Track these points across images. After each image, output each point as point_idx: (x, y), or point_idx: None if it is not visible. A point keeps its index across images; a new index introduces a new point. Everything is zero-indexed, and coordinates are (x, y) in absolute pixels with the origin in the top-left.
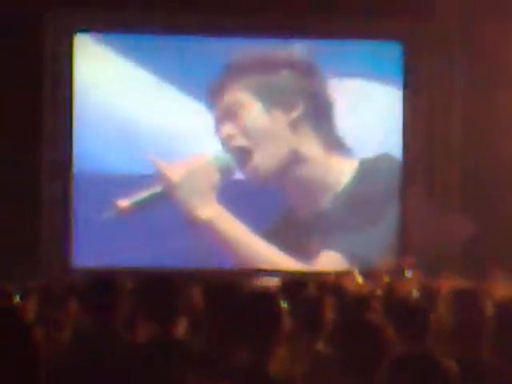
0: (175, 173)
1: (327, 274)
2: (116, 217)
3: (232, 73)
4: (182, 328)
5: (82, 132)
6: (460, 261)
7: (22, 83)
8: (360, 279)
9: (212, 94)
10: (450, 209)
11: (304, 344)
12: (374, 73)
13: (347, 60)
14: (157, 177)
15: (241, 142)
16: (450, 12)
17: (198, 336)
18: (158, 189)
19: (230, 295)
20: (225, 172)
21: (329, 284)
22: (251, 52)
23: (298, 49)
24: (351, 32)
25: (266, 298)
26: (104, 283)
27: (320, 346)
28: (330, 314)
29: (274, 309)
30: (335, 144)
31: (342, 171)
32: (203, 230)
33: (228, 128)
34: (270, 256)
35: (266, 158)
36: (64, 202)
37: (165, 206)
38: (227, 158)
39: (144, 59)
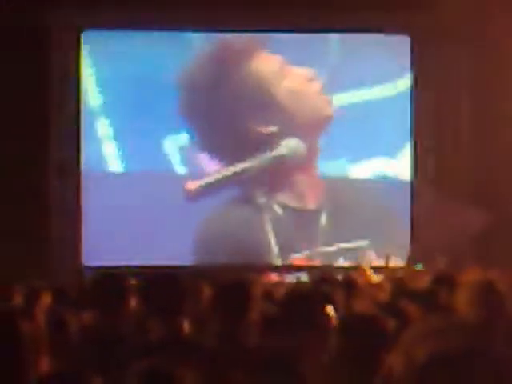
0: None
1: (338, 269)
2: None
3: None
4: (188, 326)
5: (90, 131)
6: (471, 253)
7: (30, 82)
8: (372, 274)
9: None
10: (461, 202)
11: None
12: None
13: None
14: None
15: None
16: (456, 5)
17: (206, 333)
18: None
19: (241, 292)
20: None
21: (340, 279)
22: None
23: None
24: (356, 26)
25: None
26: (112, 282)
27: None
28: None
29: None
30: None
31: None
32: None
33: None
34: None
35: None
36: (73, 201)
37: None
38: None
39: (149, 57)
